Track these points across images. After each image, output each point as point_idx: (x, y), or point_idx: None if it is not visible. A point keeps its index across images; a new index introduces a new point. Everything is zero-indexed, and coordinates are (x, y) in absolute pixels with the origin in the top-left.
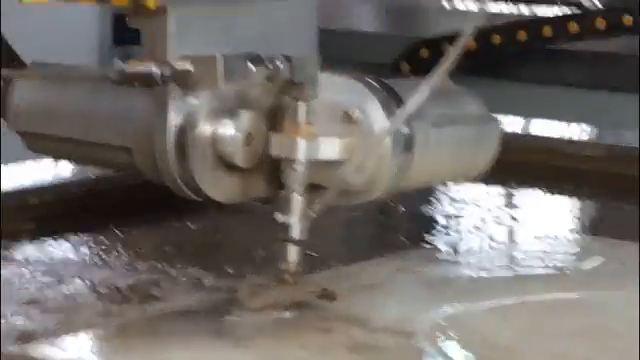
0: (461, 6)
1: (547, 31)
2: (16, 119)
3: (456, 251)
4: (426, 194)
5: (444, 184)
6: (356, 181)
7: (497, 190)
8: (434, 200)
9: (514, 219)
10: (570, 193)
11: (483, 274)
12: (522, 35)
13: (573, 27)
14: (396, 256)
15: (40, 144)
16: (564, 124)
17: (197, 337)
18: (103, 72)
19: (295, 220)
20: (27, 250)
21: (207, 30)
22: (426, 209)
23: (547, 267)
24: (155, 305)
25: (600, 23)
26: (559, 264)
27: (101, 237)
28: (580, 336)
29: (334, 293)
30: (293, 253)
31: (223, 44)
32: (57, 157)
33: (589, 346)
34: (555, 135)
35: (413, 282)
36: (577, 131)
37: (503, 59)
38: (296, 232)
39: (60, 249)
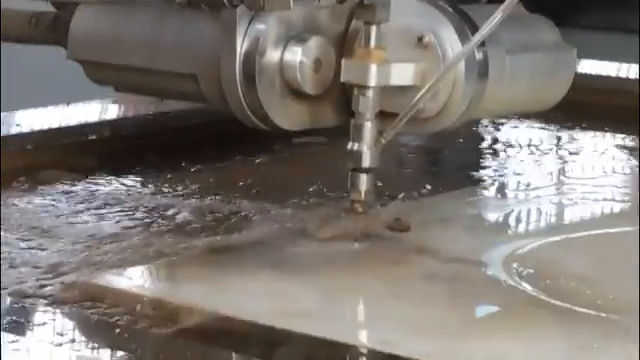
0: None
1: None
2: (77, 47)
3: (522, 187)
4: (484, 131)
5: (518, 114)
6: (428, 108)
7: (557, 128)
8: (494, 137)
9: (577, 155)
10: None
11: (552, 209)
12: None
13: None
14: (463, 192)
15: (101, 73)
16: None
17: (264, 268)
18: None
19: (366, 148)
20: (90, 185)
21: None
22: (487, 147)
23: (616, 201)
24: (222, 237)
25: None
26: (627, 198)
27: (163, 173)
28: None
29: (408, 223)
30: (364, 182)
31: None
32: (118, 87)
33: None
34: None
35: (483, 216)
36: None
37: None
38: (367, 160)
39: (119, 185)
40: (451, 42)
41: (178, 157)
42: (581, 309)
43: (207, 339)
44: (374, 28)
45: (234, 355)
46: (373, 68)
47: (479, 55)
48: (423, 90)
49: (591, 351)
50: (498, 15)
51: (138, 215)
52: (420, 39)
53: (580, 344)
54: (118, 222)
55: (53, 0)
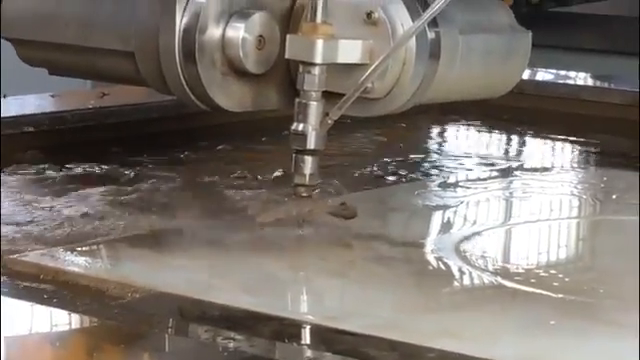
0: None
1: None
2: (9, 25)
3: (475, 181)
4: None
5: (472, 99)
6: (377, 88)
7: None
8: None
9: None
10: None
11: (502, 201)
12: None
13: None
14: (414, 184)
15: (34, 53)
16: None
17: (203, 249)
18: None
19: (311, 129)
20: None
21: None
22: (443, 145)
23: (571, 195)
24: (163, 219)
25: None
26: (584, 192)
27: (105, 163)
28: (616, 254)
29: (354, 209)
30: (308, 165)
31: None
32: (53, 68)
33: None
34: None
35: (435, 205)
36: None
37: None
38: (312, 142)
39: (59, 173)
40: (401, 19)
41: (120, 150)
42: (536, 290)
43: (146, 312)
44: (320, 2)
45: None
46: (319, 44)
47: (431, 34)
48: (371, 68)
49: (548, 327)
50: None
51: (80, 199)
52: (369, 15)
53: (536, 320)
54: (60, 207)
55: None
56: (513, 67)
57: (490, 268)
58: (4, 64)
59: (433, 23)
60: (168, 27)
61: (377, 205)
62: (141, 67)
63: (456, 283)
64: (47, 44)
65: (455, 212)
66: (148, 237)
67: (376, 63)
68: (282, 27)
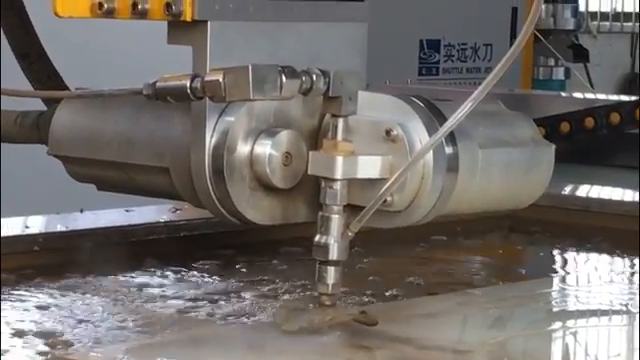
0: None
1: None
2: (57, 143)
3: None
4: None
5: (494, 210)
6: (396, 201)
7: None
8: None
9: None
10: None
11: (534, 310)
12: (615, 118)
13: None
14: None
15: (81, 169)
16: None
17: (235, 351)
18: (136, 88)
19: (333, 241)
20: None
21: (251, 46)
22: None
23: (610, 306)
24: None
25: None
26: (622, 303)
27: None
28: None
29: (374, 318)
30: (331, 275)
31: (267, 60)
32: (97, 183)
33: None
34: None
35: (471, 313)
36: None
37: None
38: (334, 253)
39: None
40: (419, 135)
41: (182, 261)
42: None
43: None
44: (341, 121)
45: None
46: (339, 161)
47: (449, 149)
48: (389, 182)
49: None
50: (467, 106)
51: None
52: (388, 132)
53: None
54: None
55: (40, 96)
56: (536, 179)
57: None
58: None
59: (451, 138)
60: (198, 144)
61: (413, 311)
62: (176, 182)
63: None
64: (91, 161)
65: (494, 318)
66: (185, 340)
67: (392, 178)
68: (309, 144)
